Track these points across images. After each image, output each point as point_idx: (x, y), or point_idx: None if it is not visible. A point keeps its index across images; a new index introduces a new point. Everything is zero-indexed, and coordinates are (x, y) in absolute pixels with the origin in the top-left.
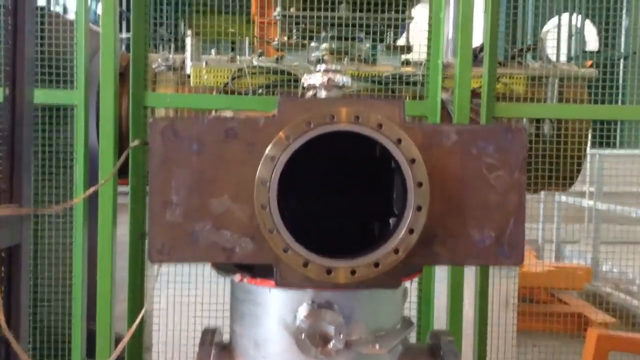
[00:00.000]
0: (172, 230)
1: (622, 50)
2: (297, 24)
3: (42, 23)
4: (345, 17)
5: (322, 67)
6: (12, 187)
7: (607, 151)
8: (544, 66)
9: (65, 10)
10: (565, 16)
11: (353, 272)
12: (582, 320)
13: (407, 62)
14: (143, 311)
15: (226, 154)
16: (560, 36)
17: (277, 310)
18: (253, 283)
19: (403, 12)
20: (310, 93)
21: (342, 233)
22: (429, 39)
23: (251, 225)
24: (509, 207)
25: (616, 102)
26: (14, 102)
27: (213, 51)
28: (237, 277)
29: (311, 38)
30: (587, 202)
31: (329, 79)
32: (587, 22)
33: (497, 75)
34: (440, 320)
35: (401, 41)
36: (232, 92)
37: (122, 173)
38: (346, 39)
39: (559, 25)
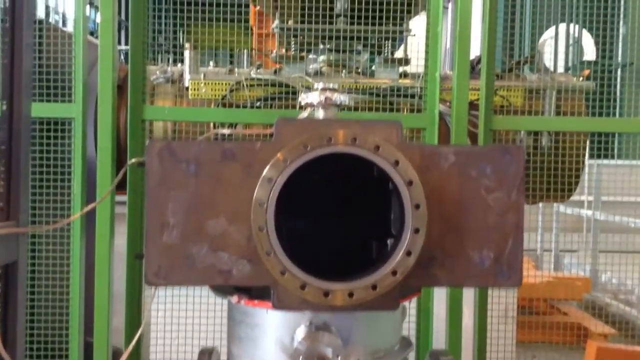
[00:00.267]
0: (169, 253)
1: (619, 59)
2: (295, 36)
3: (40, 36)
4: (343, 30)
5: (320, 85)
6: (9, 204)
7: (606, 161)
8: (541, 78)
9: (64, 18)
10: (562, 26)
11: (351, 295)
12: (581, 331)
13: (405, 75)
14: (141, 329)
15: (223, 176)
16: (557, 46)
17: (274, 331)
18: (250, 305)
19: (401, 24)
20: (307, 112)
21: (340, 253)
22: (427, 52)
23: (248, 247)
24: (507, 228)
25: (614, 113)
26: (11, 117)
27: (211, 63)
28: (234, 298)
29: (309, 50)
30: (585, 212)
31: (326, 98)
32: (585, 31)
33: (495, 87)
34: (439, 331)
35: (399, 53)
36: (231, 105)
37: (120, 186)
38: (344, 51)
39: (556, 35)
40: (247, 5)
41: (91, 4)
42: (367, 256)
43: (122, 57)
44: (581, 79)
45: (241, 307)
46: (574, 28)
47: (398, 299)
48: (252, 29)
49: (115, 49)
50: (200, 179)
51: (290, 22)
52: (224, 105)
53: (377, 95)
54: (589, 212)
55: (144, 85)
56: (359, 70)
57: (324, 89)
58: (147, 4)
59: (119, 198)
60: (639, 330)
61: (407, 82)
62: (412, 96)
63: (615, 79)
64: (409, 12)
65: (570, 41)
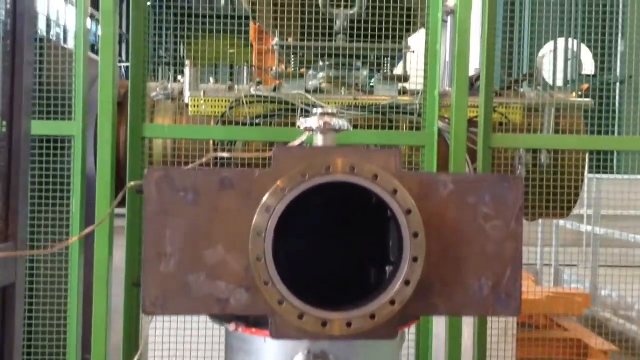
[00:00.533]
0: (166, 282)
1: (618, 74)
2: (295, 54)
3: (41, 55)
4: (342, 48)
5: (319, 110)
6: (8, 225)
7: (605, 176)
8: (540, 95)
9: (65, 32)
10: (561, 41)
11: (349, 324)
12: (581, 348)
13: (404, 91)
14: (138, 354)
15: (221, 204)
16: (556, 60)
17: None
18: (248, 333)
19: (400, 42)
20: (305, 136)
21: (338, 278)
22: (426, 71)
23: (246, 276)
24: (505, 256)
25: (613, 131)
26: (11, 138)
27: (211, 79)
28: (231, 326)
29: (309, 67)
30: (585, 227)
31: (325, 123)
32: (583, 46)
33: (494, 105)
34: (439, 351)
35: (398, 70)
36: (230, 122)
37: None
38: (343, 65)
39: (555, 50)
40: (247, 18)
41: (92, 16)
42: (366, 281)
43: (123, 70)
44: (580, 93)
45: (238, 334)
46: (572, 43)
47: (397, 328)
48: (252, 45)
49: (115, 66)
50: (199, 207)
51: (290, 40)
52: (223, 122)
53: (377, 112)
54: (589, 228)
55: (144, 104)
56: (359, 87)
57: (322, 114)
58: (147, 23)
59: (118, 211)
60: None
61: (406, 99)
62: (412, 113)
63: (614, 93)
64: (407, 30)
65: (569, 56)
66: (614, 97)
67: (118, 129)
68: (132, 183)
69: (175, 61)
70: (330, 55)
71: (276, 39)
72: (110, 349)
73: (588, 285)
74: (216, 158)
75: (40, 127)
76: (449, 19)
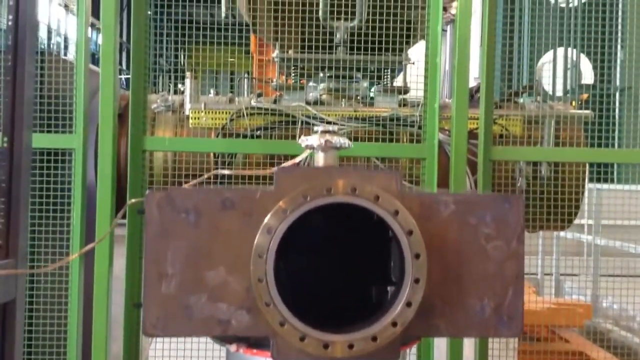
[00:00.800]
0: (167, 304)
1: (617, 83)
2: (296, 66)
3: (42, 67)
4: (342, 60)
5: (320, 128)
6: (8, 242)
7: (606, 186)
8: (539, 106)
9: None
10: (560, 50)
11: (351, 346)
12: (583, 359)
13: (404, 103)
14: None
15: (223, 225)
16: (556, 70)
17: None
18: (249, 354)
19: (400, 54)
20: (306, 153)
21: (340, 296)
22: (426, 84)
23: (247, 298)
24: (507, 277)
25: (612, 143)
26: (11, 154)
27: (212, 91)
28: (233, 347)
29: (309, 80)
30: (585, 237)
31: (326, 141)
32: (582, 56)
33: (494, 116)
34: None
35: (398, 81)
36: (231, 134)
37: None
38: (344, 77)
39: (554, 59)
40: (247, 28)
41: (92, 25)
42: (367, 299)
43: (123, 80)
44: (580, 102)
45: (239, 355)
46: (571, 52)
47: (398, 349)
48: (252, 57)
49: (116, 77)
50: (200, 228)
51: (291, 52)
52: (224, 134)
53: (377, 124)
54: (590, 237)
55: (144, 117)
56: (359, 98)
57: (324, 132)
58: (147, 36)
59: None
60: None
61: (406, 110)
62: (412, 125)
63: (614, 103)
64: (407, 42)
65: (569, 65)
66: (614, 109)
67: (118, 141)
68: (133, 200)
69: (175, 69)
70: (330, 67)
71: (276, 52)
72: (110, 357)
73: (589, 296)
74: (217, 176)
75: (40, 140)
76: (449, 27)
